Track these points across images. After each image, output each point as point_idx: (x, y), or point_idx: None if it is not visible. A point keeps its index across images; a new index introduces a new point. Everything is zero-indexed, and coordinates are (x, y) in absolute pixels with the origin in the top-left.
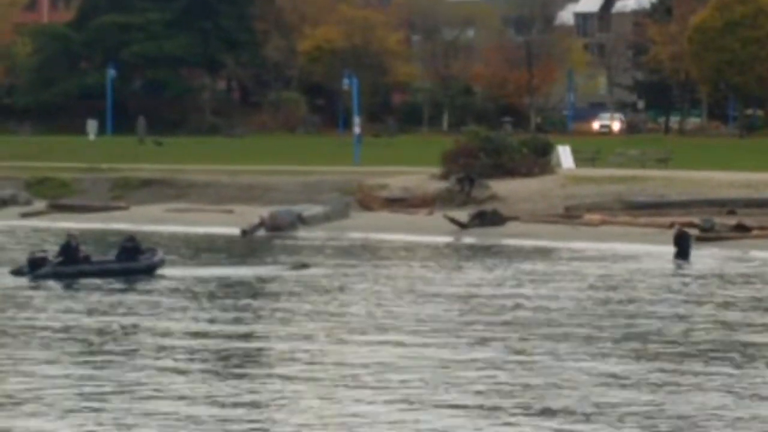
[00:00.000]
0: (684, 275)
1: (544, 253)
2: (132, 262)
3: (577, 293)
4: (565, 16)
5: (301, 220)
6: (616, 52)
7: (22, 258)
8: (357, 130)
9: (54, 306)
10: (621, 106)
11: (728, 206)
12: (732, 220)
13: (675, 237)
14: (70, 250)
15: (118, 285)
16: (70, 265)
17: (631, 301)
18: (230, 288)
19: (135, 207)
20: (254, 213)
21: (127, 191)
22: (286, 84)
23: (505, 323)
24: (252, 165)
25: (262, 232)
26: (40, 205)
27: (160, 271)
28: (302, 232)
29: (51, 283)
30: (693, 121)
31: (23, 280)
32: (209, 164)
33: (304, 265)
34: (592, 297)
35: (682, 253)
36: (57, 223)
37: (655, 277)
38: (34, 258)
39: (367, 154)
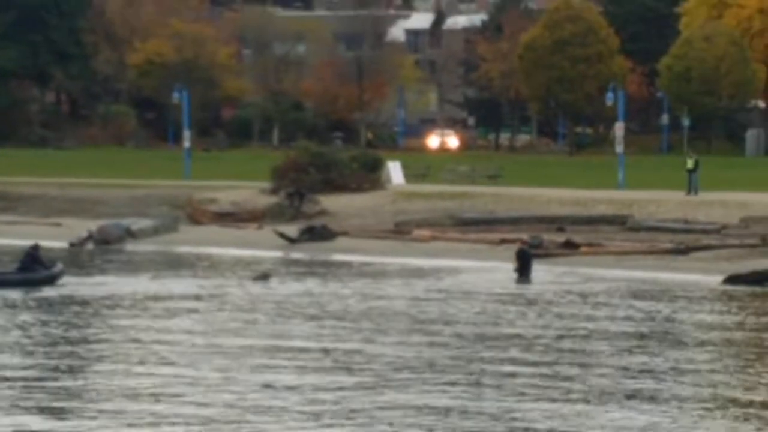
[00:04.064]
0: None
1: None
2: (32, 273)
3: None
4: (396, 33)
5: (130, 234)
6: (447, 69)
7: None
8: (187, 143)
9: None
10: (451, 123)
11: (557, 223)
12: (561, 237)
13: (517, 254)
14: None
15: None
16: None
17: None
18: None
19: None
20: (83, 226)
21: None
22: (116, 97)
23: None
24: (81, 178)
25: (90, 246)
26: None
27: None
28: (130, 246)
29: None
30: (523, 138)
31: None
32: (38, 177)
33: (266, 276)
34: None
35: (524, 270)
36: None
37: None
38: None
39: (197, 168)
